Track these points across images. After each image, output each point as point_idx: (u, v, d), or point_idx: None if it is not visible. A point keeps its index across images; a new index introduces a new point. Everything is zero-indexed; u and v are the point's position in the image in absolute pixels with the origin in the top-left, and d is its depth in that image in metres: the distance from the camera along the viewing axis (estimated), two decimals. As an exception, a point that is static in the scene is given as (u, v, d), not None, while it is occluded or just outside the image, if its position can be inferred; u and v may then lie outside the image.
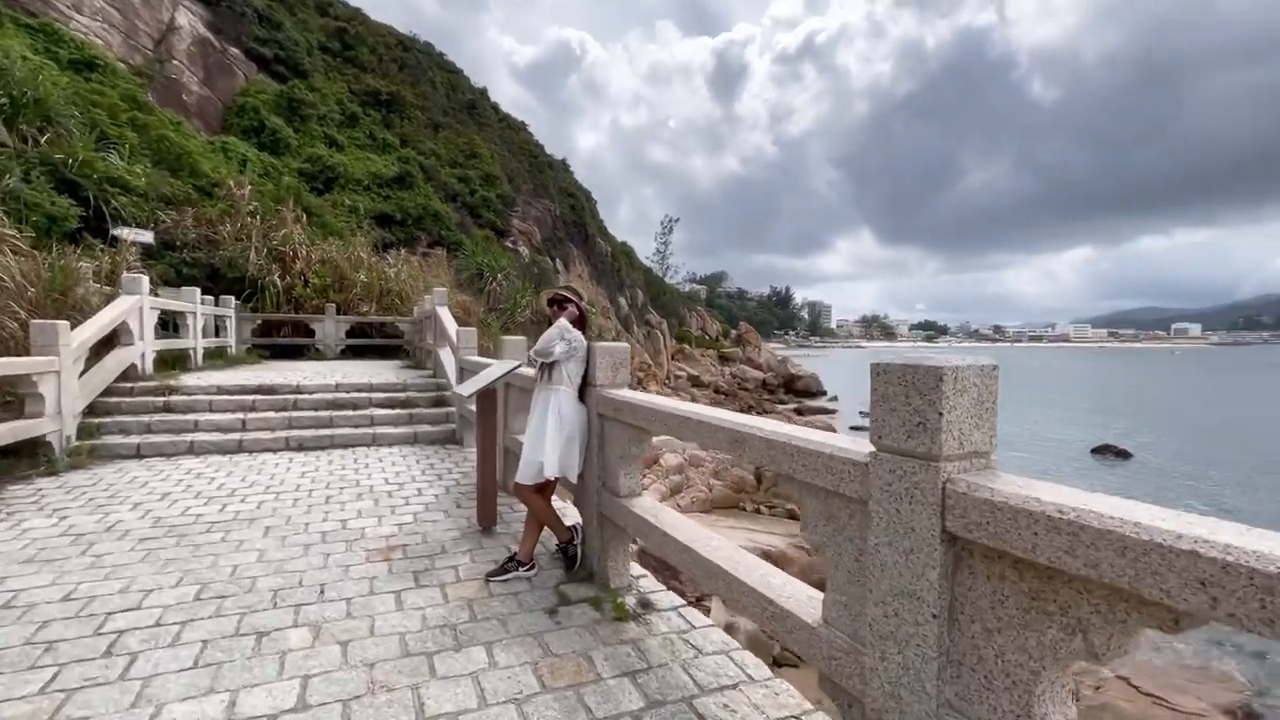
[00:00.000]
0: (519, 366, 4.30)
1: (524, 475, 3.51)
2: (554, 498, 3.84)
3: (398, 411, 7.94)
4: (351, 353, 14.35)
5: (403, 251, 17.77)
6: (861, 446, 1.81)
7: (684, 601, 3.40)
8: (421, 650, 2.78)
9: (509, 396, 5.28)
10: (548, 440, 3.43)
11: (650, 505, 3.24)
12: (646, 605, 3.30)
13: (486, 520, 4.38)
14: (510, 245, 27.13)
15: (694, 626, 3.10)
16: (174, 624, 2.98)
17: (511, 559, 3.63)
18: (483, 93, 40.48)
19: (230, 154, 17.94)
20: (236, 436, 6.87)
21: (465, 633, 2.95)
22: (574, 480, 3.55)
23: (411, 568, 3.74)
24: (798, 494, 2.05)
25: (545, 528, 3.69)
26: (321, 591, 3.38)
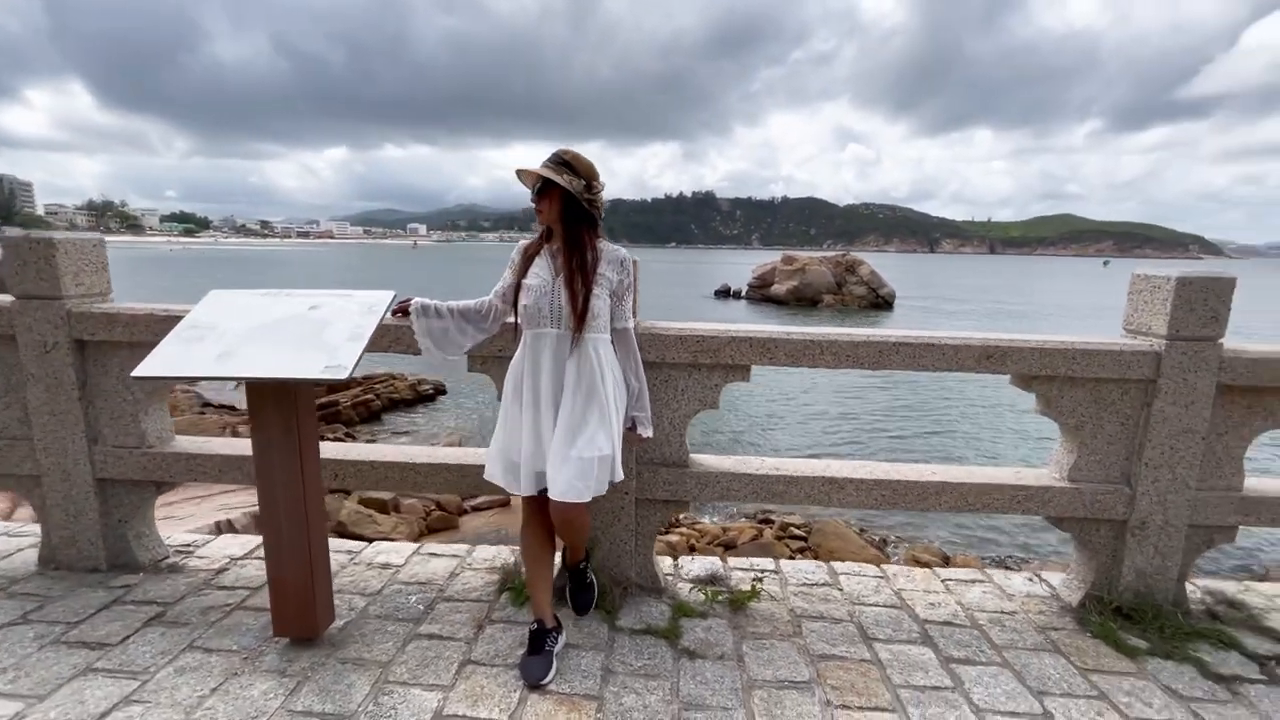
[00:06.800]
0: (396, 301, 2.08)
1: (579, 486, 2.00)
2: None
3: None
4: None
5: None
6: (1139, 344, 2.38)
7: (714, 556, 2.92)
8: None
9: (91, 354, 2.41)
10: (614, 420, 2.05)
11: (726, 459, 2.58)
12: (716, 580, 2.70)
13: (321, 619, 2.15)
14: None
15: (810, 576, 2.82)
16: None
17: (542, 632, 2.11)
18: None
19: None
20: None
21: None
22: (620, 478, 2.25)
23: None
24: (1056, 391, 2.41)
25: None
26: None
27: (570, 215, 1.99)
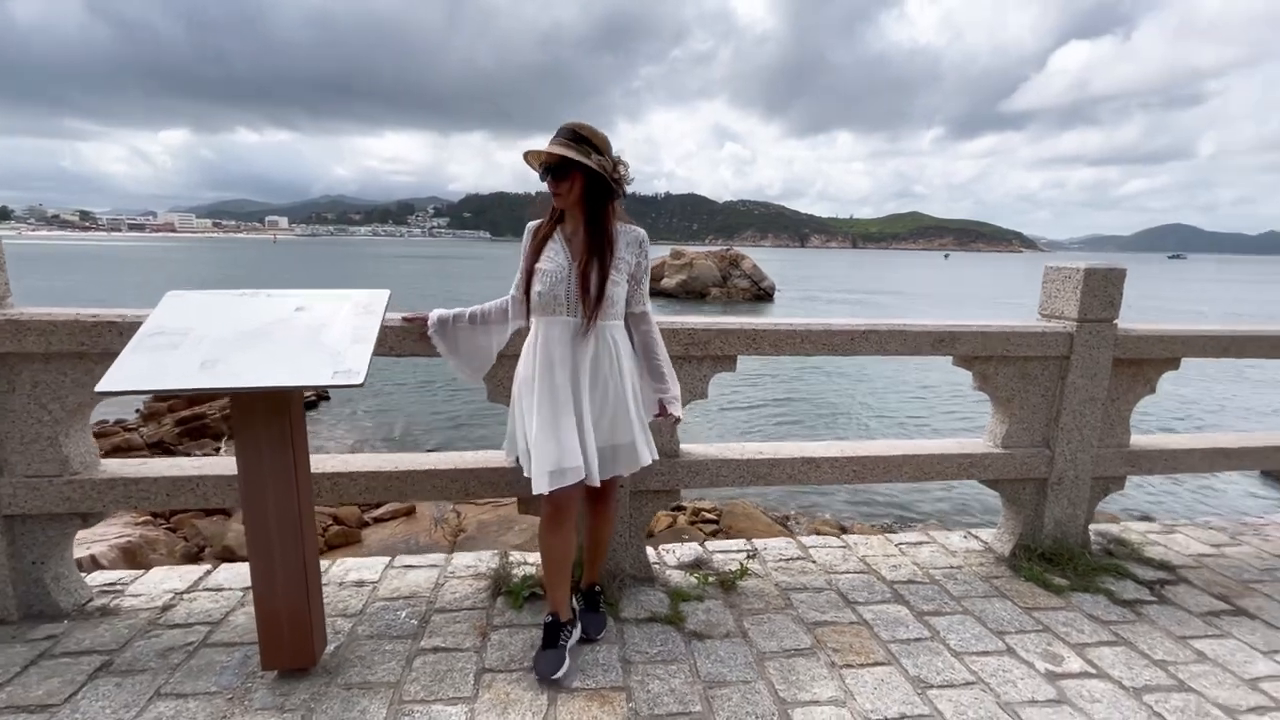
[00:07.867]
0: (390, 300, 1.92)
1: (607, 469, 2.02)
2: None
3: None
4: None
5: None
6: (1056, 327, 2.76)
7: (694, 542, 3.02)
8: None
9: None
10: (632, 407, 2.03)
11: (712, 447, 2.68)
12: (701, 564, 2.80)
13: (315, 647, 1.98)
14: None
15: (803, 553, 2.97)
16: None
17: (557, 625, 2.08)
18: None
19: None
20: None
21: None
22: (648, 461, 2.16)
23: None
24: (992, 369, 2.74)
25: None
26: None
27: (593, 196, 1.90)
